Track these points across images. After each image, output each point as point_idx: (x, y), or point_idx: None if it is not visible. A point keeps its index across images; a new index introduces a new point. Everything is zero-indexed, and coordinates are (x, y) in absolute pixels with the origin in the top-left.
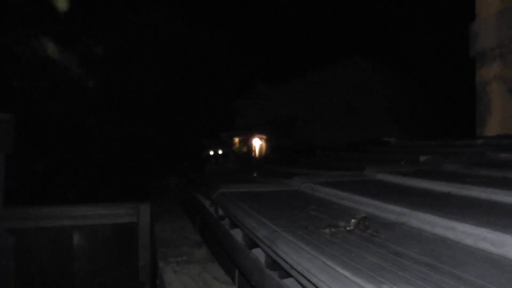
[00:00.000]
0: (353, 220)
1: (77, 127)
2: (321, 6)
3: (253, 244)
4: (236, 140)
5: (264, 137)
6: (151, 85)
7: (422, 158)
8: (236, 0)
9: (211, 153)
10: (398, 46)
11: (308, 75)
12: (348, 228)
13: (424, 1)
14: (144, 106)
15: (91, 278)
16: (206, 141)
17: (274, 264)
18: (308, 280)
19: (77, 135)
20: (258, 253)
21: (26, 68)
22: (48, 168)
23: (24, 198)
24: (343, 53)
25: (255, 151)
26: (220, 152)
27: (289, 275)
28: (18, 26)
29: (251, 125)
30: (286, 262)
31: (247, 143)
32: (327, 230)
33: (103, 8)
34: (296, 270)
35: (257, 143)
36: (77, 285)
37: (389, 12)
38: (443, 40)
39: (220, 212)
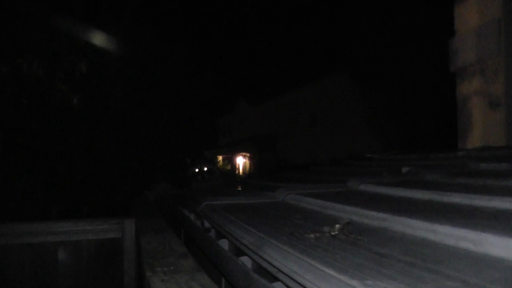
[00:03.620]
0: (337, 225)
1: (60, 144)
2: (302, 24)
3: (239, 252)
4: (220, 158)
5: (248, 154)
6: (133, 102)
7: (404, 169)
8: (218, 20)
9: (196, 170)
10: (378, 64)
11: (289, 92)
12: (332, 233)
13: (405, 17)
14: (126, 124)
15: None
16: (190, 159)
17: (260, 269)
18: (295, 281)
19: (60, 152)
20: (244, 261)
21: (9, 86)
22: (29, 184)
23: (6, 215)
24: (323, 71)
25: (239, 169)
26: (205, 169)
27: (276, 279)
28: (2, 42)
29: (234, 143)
30: (273, 266)
31: (231, 161)
32: (312, 236)
33: (86, 24)
34: (282, 272)
35: (241, 161)
36: None
37: (369, 29)
38: (424, 56)
39: (206, 224)
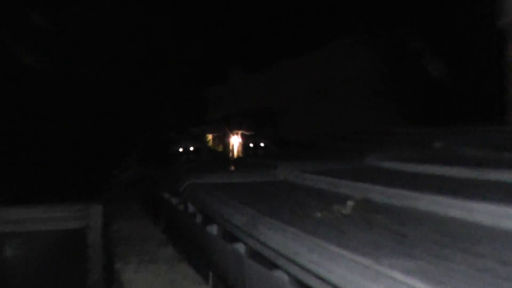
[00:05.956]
0: (349, 203)
1: (12, 118)
2: None
3: (230, 237)
4: (210, 137)
5: (244, 132)
6: (106, 71)
7: (436, 144)
8: None
9: (180, 149)
10: (398, 20)
11: (290, 59)
12: (343, 212)
13: None
14: (99, 95)
15: None
16: (174, 135)
17: (256, 255)
18: (297, 264)
19: (12, 128)
20: (237, 247)
21: None
22: None
23: None
24: (332, 33)
25: (233, 150)
26: (191, 148)
27: (274, 266)
28: None
29: (226, 118)
30: (271, 249)
31: (222, 140)
32: (318, 214)
33: None
34: (282, 255)
35: (236, 141)
36: None
37: None
38: (461, 9)
39: (190, 206)
